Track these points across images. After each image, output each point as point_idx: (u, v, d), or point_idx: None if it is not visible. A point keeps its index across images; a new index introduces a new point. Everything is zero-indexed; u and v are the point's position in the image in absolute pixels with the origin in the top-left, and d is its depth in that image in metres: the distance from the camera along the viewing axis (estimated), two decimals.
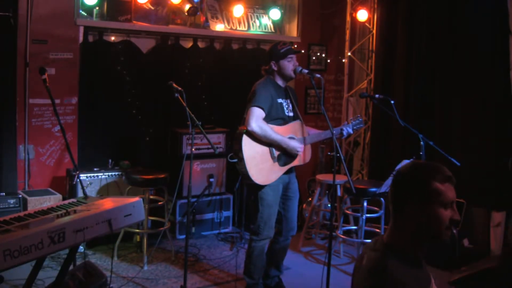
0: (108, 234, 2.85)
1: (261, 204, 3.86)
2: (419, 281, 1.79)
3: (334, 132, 3.83)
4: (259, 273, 4.01)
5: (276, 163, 3.85)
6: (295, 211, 4.14)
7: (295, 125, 3.97)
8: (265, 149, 3.81)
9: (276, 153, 3.84)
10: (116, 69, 5.34)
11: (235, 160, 3.85)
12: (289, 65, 3.86)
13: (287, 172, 3.97)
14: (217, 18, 5.91)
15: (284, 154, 3.88)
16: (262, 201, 3.86)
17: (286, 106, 3.95)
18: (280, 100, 3.89)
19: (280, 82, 3.95)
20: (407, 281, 1.72)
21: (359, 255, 1.94)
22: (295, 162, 3.95)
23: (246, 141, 3.75)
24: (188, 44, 5.80)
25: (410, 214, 1.77)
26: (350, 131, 4.07)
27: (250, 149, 3.75)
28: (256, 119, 3.70)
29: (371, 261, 1.79)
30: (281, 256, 4.18)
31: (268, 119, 3.80)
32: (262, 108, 3.73)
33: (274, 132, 3.77)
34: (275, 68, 3.90)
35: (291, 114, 3.97)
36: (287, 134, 3.89)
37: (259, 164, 3.77)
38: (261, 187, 3.82)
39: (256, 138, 3.75)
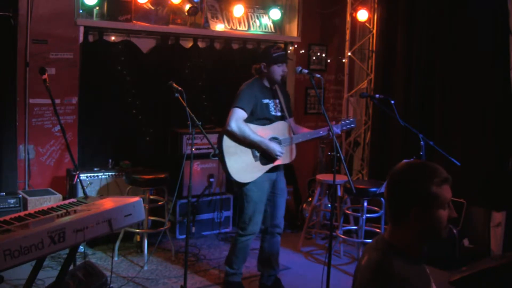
0: (108, 234, 2.85)
1: (246, 201, 3.96)
2: (422, 280, 1.81)
3: (321, 132, 4.02)
4: (239, 264, 4.11)
5: (258, 162, 3.93)
6: (281, 208, 4.17)
7: (279, 125, 4.03)
8: (247, 147, 3.90)
9: (258, 152, 3.93)
10: (116, 69, 5.34)
11: (216, 158, 3.91)
12: (279, 70, 3.94)
13: (274, 170, 4.02)
14: (217, 18, 5.91)
15: (263, 155, 3.94)
16: (247, 197, 3.95)
17: (274, 106, 4.01)
18: (266, 101, 3.96)
19: (266, 83, 4.02)
20: (412, 280, 1.73)
21: (361, 255, 1.94)
22: (278, 161, 4.00)
23: (226, 140, 3.86)
24: (188, 44, 5.80)
25: (410, 217, 1.78)
26: (338, 131, 4.09)
27: (230, 147, 3.85)
28: (236, 120, 3.81)
29: (374, 260, 1.79)
30: (273, 255, 4.19)
31: (253, 118, 3.90)
32: (243, 109, 3.83)
33: (254, 133, 3.86)
34: (265, 70, 3.97)
35: (278, 114, 4.03)
36: (269, 135, 3.96)
37: (239, 162, 3.87)
38: (245, 183, 3.91)
39: (235, 138, 3.85)
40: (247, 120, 3.87)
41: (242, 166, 3.88)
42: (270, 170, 3.98)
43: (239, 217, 4.21)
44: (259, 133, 3.90)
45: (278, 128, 4.02)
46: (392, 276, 1.71)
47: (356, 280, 1.90)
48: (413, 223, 1.78)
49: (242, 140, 3.86)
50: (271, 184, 4.05)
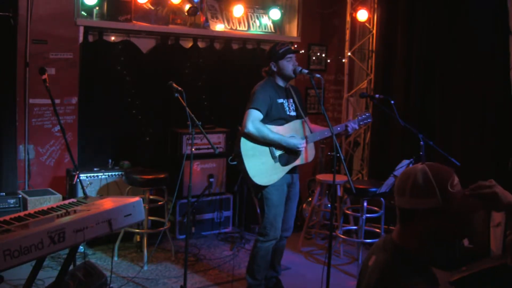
0: (108, 234, 2.85)
1: (266, 205, 3.85)
2: (430, 283, 1.78)
3: (339, 128, 3.92)
4: (262, 274, 3.98)
5: (278, 163, 3.84)
6: (294, 212, 4.13)
7: (295, 124, 3.96)
8: (265, 149, 3.81)
9: (277, 153, 3.84)
10: (116, 69, 5.34)
11: (235, 163, 3.86)
12: (289, 65, 3.86)
13: (290, 172, 3.95)
14: (217, 18, 5.91)
15: (286, 153, 3.88)
16: (268, 201, 3.85)
17: (288, 106, 3.94)
18: (280, 100, 3.88)
19: (280, 82, 3.94)
20: (419, 282, 1.71)
21: (367, 255, 1.93)
22: (298, 162, 3.93)
23: (244, 143, 3.77)
24: (188, 44, 5.80)
25: (418, 220, 1.77)
26: (356, 126, 4.00)
27: (249, 150, 3.76)
28: (253, 120, 3.71)
29: (382, 262, 1.78)
30: (277, 257, 4.16)
31: (268, 120, 3.80)
32: (259, 110, 3.74)
33: (272, 132, 3.78)
34: (275, 69, 3.90)
35: (293, 113, 3.95)
36: (287, 134, 3.88)
37: (259, 164, 3.77)
38: (264, 187, 3.82)
39: (254, 139, 3.76)
40: (262, 122, 3.78)
41: (262, 168, 3.78)
42: (287, 172, 3.90)
43: (258, 222, 4.06)
44: (279, 132, 3.82)
45: (295, 128, 3.94)
46: (399, 279, 1.69)
47: (362, 281, 1.88)
48: (418, 224, 1.76)
49: (261, 141, 3.76)
50: (287, 187, 3.98)
